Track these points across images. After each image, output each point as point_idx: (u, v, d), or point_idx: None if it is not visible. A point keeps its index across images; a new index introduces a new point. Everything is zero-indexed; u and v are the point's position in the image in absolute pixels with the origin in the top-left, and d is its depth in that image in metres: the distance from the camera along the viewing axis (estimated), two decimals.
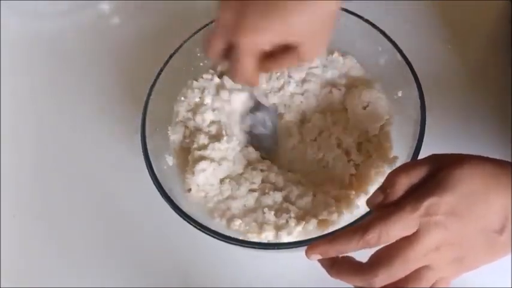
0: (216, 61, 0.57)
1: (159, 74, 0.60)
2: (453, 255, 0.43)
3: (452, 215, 0.42)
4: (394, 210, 0.42)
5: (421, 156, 0.51)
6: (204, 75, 0.64)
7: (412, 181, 0.44)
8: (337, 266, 0.45)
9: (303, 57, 0.51)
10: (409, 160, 0.52)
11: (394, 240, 0.42)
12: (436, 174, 0.43)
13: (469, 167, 0.43)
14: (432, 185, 0.43)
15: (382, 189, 0.45)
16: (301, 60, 0.51)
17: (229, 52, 0.50)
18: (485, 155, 0.45)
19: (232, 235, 0.52)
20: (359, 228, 0.43)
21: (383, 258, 0.43)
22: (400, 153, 0.57)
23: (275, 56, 0.50)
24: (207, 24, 0.63)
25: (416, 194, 0.43)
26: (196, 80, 0.64)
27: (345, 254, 0.45)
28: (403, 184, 0.44)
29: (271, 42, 0.49)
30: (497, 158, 0.45)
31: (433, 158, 0.45)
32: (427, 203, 0.42)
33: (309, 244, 0.48)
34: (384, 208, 0.44)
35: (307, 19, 0.48)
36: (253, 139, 0.62)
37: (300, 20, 0.48)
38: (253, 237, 0.55)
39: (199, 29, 0.63)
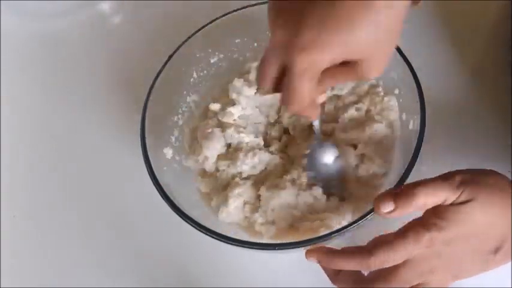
0: (269, 92, 0.46)
1: (158, 74, 0.60)
2: (447, 274, 0.45)
3: (450, 246, 0.44)
4: (399, 239, 0.44)
5: (420, 156, 0.51)
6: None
7: (428, 202, 0.44)
8: (340, 276, 0.47)
9: (365, 74, 0.43)
10: (408, 160, 0.51)
11: (394, 264, 0.44)
12: (446, 205, 0.44)
13: (479, 209, 0.44)
14: (438, 217, 0.44)
15: (394, 196, 0.45)
16: (362, 77, 0.44)
17: (283, 78, 0.43)
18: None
19: (232, 236, 0.52)
20: (363, 251, 0.44)
21: (381, 276, 0.45)
22: (400, 153, 0.57)
23: (330, 70, 0.43)
24: (206, 25, 0.63)
25: (422, 223, 0.44)
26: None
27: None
28: (419, 202, 0.44)
29: (332, 60, 0.41)
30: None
31: (456, 187, 0.44)
32: (429, 236, 0.43)
33: (308, 245, 0.48)
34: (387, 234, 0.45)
35: (373, 29, 0.40)
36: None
37: (366, 32, 0.40)
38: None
39: (199, 30, 0.63)
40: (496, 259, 0.45)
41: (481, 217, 0.44)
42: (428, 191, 0.44)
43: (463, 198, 0.44)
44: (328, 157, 0.57)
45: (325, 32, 0.39)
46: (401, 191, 0.45)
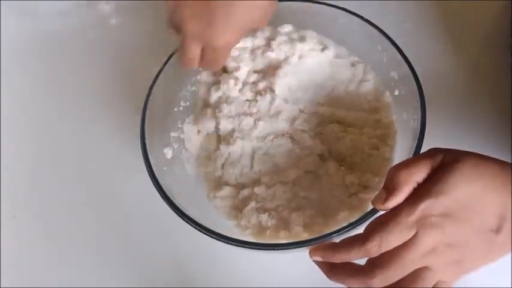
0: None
1: (158, 73, 0.60)
2: (451, 257, 0.44)
3: (448, 217, 0.42)
4: (391, 215, 0.43)
5: None
6: None
7: (413, 177, 0.44)
8: (335, 269, 0.46)
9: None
10: None
11: (394, 246, 0.43)
12: (435, 173, 0.43)
13: (468, 168, 0.43)
14: (429, 185, 0.43)
15: (384, 186, 0.45)
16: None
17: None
18: (484, 155, 0.45)
19: (232, 236, 0.52)
20: (358, 238, 0.43)
21: (380, 260, 0.43)
22: (400, 153, 0.57)
23: None
24: None
25: (413, 196, 0.43)
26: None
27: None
28: (404, 179, 0.43)
29: None
30: (497, 157, 0.45)
31: (434, 153, 0.45)
32: (423, 205, 0.42)
33: (309, 245, 0.48)
34: (382, 214, 0.44)
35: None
36: None
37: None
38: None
39: None
40: (498, 240, 0.43)
41: (476, 178, 0.42)
42: (409, 164, 0.44)
43: (447, 159, 0.43)
44: None
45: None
46: (386, 177, 0.45)
